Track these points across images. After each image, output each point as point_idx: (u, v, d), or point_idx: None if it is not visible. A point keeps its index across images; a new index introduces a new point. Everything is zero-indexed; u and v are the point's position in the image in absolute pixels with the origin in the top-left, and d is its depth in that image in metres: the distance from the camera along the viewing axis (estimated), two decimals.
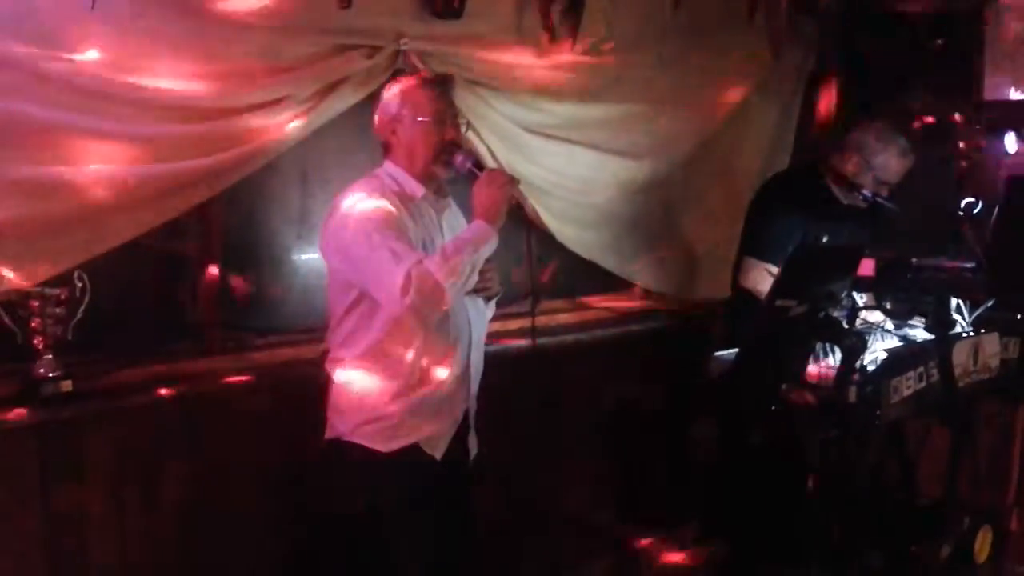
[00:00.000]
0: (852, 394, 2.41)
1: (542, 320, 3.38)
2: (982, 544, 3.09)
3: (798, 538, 2.81)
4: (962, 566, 3.01)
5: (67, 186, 2.23)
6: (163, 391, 2.46)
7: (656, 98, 3.49)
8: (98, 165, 2.26)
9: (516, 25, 2.98)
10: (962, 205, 3.14)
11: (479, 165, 2.40)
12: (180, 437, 2.49)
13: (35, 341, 2.28)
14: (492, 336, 2.60)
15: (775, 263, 2.90)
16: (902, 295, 2.78)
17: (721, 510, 3.25)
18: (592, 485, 3.50)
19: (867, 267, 2.79)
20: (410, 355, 2.28)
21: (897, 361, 2.52)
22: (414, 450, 2.31)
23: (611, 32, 3.22)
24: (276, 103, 2.51)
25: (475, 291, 2.33)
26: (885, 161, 3.00)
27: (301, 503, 2.65)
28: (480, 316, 2.45)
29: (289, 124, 2.57)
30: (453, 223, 2.42)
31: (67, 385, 2.31)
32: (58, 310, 2.28)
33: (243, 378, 2.61)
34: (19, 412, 2.24)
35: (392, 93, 2.34)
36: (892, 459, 3.00)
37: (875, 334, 2.62)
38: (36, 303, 2.26)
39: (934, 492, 3.05)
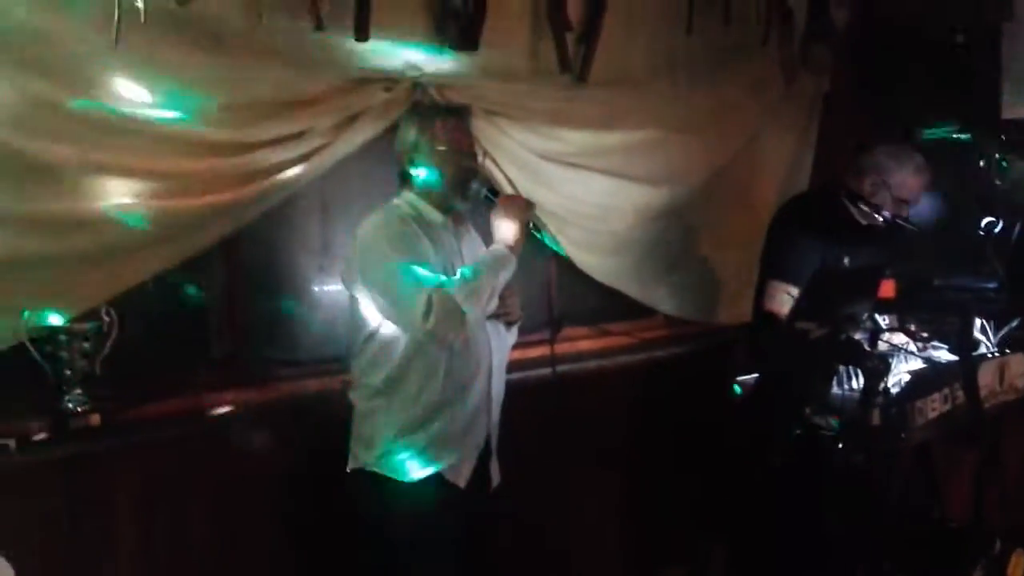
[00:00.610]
0: (876, 417, 2.39)
1: (564, 347, 3.37)
2: (1015, 568, 3.04)
3: (823, 564, 2.78)
4: None
5: (92, 222, 2.25)
6: (190, 424, 2.49)
7: (671, 125, 3.50)
8: (123, 201, 2.30)
9: (532, 55, 3.00)
10: (983, 225, 3.12)
11: (495, 191, 2.43)
12: (207, 469, 2.50)
13: (64, 375, 2.31)
14: (514, 364, 2.60)
15: (796, 285, 2.89)
16: (925, 316, 2.76)
17: (745, 534, 3.21)
18: (615, 514, 3.47)
19: (889, 289, 2.78)
20: (431, 383, 2.29)
21: (921, 383, 2.50)
22: (436, 479, 2.32)
23: (626, 60, 3.25)
24: (297, 137, 2.54)
25: (496, 316, 2.34)
26: (902, 179, 2.98)
27: (326, 533, 2.65)
28: (501, 342, 2.46)
29: (310, 157, 2.59)
30: (473, 249, 2.44)
31: (95, 419, 2.34)
32: (86, 345, 2.31)
33: (269, 409, 2.64)
34: (48, 446, 2.27)
35: (410, 122, 2.38)
36: (919, 482, 2.96)
37: (898, 356, 2.60)
38: (64, 338, 2.29)
39: (963, 515, 3.01)
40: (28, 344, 2.24)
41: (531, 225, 2.35)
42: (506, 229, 2.29)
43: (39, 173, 2.15)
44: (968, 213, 3.42)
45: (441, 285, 2.17)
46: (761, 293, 3.10)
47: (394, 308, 2.21)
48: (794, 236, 3.05)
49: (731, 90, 3.66)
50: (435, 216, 2.36)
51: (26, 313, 2.21)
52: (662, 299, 3.78)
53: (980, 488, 2.92)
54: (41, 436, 2.28)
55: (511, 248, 2.27)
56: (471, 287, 2.18)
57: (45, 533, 2.24)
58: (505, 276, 2.26)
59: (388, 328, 2.28)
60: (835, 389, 2.45)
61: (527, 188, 3.11)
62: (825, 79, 4.09)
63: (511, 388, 2.53)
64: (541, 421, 2.74)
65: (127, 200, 2.30)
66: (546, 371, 2.61)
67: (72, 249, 2.25)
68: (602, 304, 3.65)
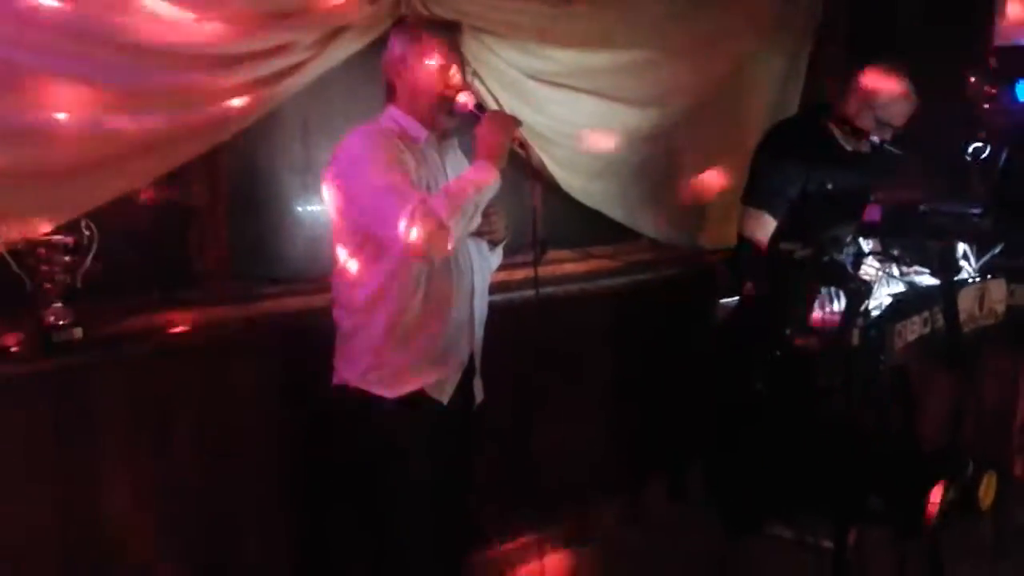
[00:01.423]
0: (856, 339, 2.41)
1: (548, 270, 3.37)
2: (986, 490, 3.10)
3: (801, 484, 2.84)
4: (966, 512, 3.03)
5: (69, 135, 2.21)
6: (172, 338, 2.49)
7: (662, 46, 3.45)
8: (101, 114, 2.25)
9: None
10: (970, 150, 3.11)
11: (481, 107, 2.40)
12: (190, 384, 2.51)
13: (44, 289, 2.29)
14: (498, 285, 2.60)
15: (774, 212, 2.89)
16: (908, 240, 2.77)
17: (724, 454, 3.27)
18: (597, 433, 3.52)
19: (873, 213, 2.78)
20: (414, 300, 2.29)
21: (902, 306, 2.52)
22: (419, 396, 2.34)
23: None
24: (279, 50, 2.48)
25: (480, 234, 2.34)
26: (887, 102, 2.96)
27: (308, 450, 2.69)
28: (484, 262, 2.46)
29: (293, 72, 2.54)
30: (457, 165, 2.42)
31: (77, 333, 2.33)
32: (66, 258, 2.29)
33: (252, 327, 2.64)
34: (30, 360, 2.26)
35: (399, 35, 2.34)
36: (896, 405, 3.01)
37: (880, 280, 2.61)
38: (44, 251, 2.26)
39: (938, 439, 3.06)
40: (7, 257, 2.22)
41: (516, 143, 2.32)
42: (491, 145, 2.26)
43: (11, 85, 2.10)
44: (955, 138, 3.41)
45: (424, 199, 2.15)
46: (741, 218, 3.10)
47: (376, 223, 2.20)
48: (775, 162, 3.03)
49: (723, 12, 3.60)
50: (420, 132, 2.33)
51: (3, 227, 2.18)
52: (647, 222, 3.78)
53: (956, 412, 2.97)
54: (22, 349, 2.26)
55: (494, 164, 2.25)
56: (455, 203, 2.16)
57: (28, 446, 2.25)
58: (489, 192, 2.24)
59: (370, 245, 2.26)
60: (816, 311, 2.47)
61: (513, 107, 3.07)
62: (819, 6, 4.02)
63: (496, 309, 2.54)
64: (525, 342, 2.75)
65: (103, 113, 2.26)
66: (530, 293, 2.61)
67: (50, 161, 2.21)
68: (586, 227, 3.65)
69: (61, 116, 2.19)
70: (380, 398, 2.32)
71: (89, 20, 2.17)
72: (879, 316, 2.44)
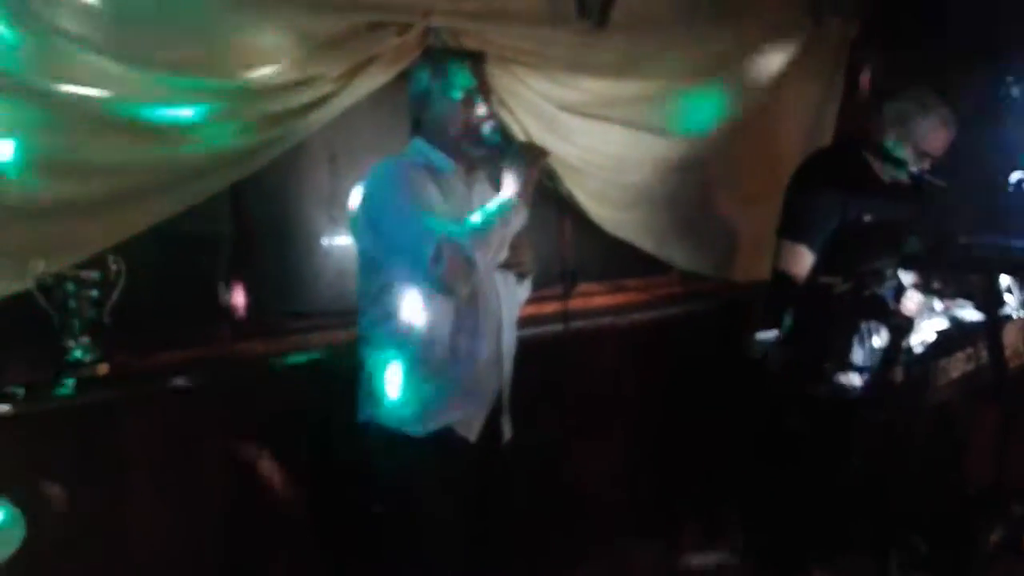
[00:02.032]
0: (899, 375, 2.34)
1: (578, 303, 3.34)
2: None
3: (842, 526, 2.76)
4: (1012, 554, 2.93)
5: (98, 168, 2.23)
6: (198, 374, 2.47)
7: (692, 73, 3.42)
8: (129, 146, 2.26)
9: (549, 1, 2.93)
10: (1012, 181, 3.03)
11: (507, 139, 2.37)
12: (215, 419, 2.49)
13: (71, 324, 2.29)
14: (528, 319, 2.57)
15: (810, 244, 2.82)
16: (950, 274, 2.69)
17: (761, 495, 3.19)
18: (630, 470, 3.46)
19: (914, 245, 2.71)
20: (441, 336, 2.26)
21: (945, 342, 2.46)
22: (447, 432, 2.30)
23: (646, 5, 3.15)
24: (307, 82, 2.49)
25: (507, 267, 2.30)
26: (926, 131, 2.89)
27: (336, 486, 2.65)
28: (512, 296, 2.42)
29: (319, 104, 2.54)
30: (484, 198, 2.39)
31: (103, 368, 2.32)
32: (93, 293, 2.29)
33: (278, 361, 2.62)
34: (55, 395, 2.25)
35: (424, 67, 2.33)
36: (940, 443, 2.92)
37: (922, 314, 2.54)
38: (72, 286, 2.26)
39: (984, 478, 2.97)
40: (35, 292, 2.22)
41: (543, 174, 2.29)
42: (517, 177, 2.24)
43: (47, 119, 2.11)
44: (997, 168, 3.32)
45: (450, 233, 2.12)
46: (777, 252, 3.04)
47: (402, 256, 2.18)
48: (811, 194, 2.97)
49: (754, 36, 3.56)
50: (446, 164, 2.32)
51: (33, 261, 2.18)
52: (678, 254, 3.73)
53: (1002, 450, 2.87)
54: (47, 384, 2.26)
55: (521, 196, 2.23)
56: (480, 235, 2.15)
57: (53, 482, 2.23)
58: (515, 225, 2.22)
59: (397, 279, 2.24)
60: (857, 347, 2.40)
61: (542, 138, 3.05)
62: (853, 25, 3.96)
63: (525, 344, 2.50)
64: (555, 377, 2.71)
65: (131, 146, 2.26)
66: (559, 326, 2.57)
67: (79, 195, 2.23)
68: (617, 259, 3.60)
69: (94, 150, 2.19)
70: (406, 435, 2.28)
71: (130, 57, 2.18)
72: (922, 352, 2.37)
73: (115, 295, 2.32)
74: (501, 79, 2.86)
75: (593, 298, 3.51)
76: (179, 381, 2.43)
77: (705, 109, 3.51)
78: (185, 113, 2.32)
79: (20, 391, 2.23)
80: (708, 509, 3.56)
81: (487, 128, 2.29)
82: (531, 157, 2.28)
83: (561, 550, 3.12)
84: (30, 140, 2.10)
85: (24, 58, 2.04)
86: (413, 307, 2.24)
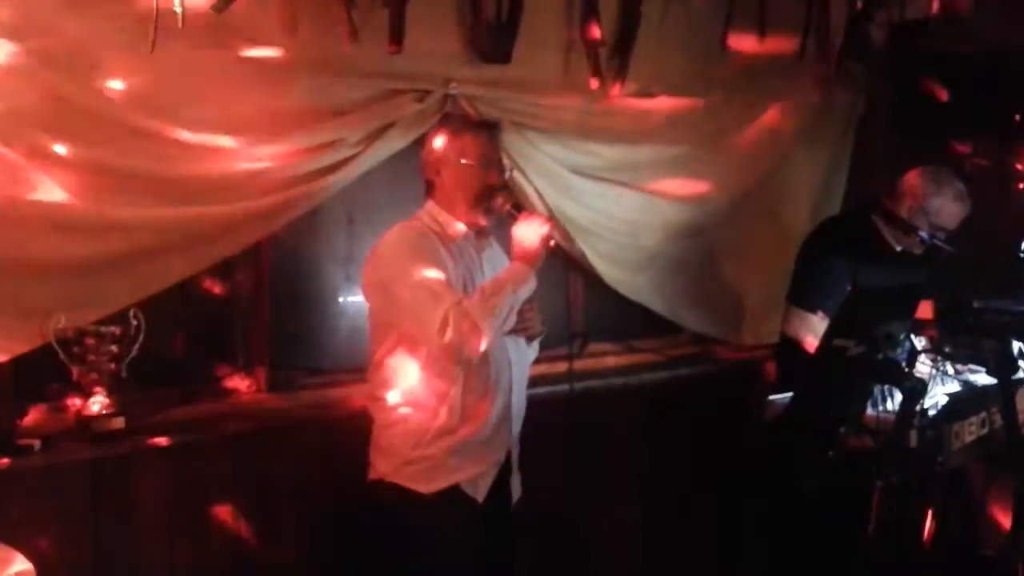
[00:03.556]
0: (913, 439, 2.33)
1: (588, 363, 3.35)
2: None
3: None
4: None
5: (122, 227, 2.28)
6: (214, 429, 2.49)
7: (704, 141, 3.48)
8: (152, 206, 2.31)
9: (564, 68, 3.00)
10: (1023, 247, 3.05)
11: (517, 207, 2.41)
12: (228, 474, 2.50)
13: (90, 378, 2.31)
14: (538, 378, 2.58)
15: (819, 311, 2.84)
16: (963, 338, 2.69)
17: (775, 561, 3.14)
18: (638, 533, 3.42)
19: (926, 310, 2.72)
20: (450, 396, 2.27)
21: (959, 406, 2.44)
22: (455, 492, 2.30)
23: (659, 75, 3.23)
24: (327, 146, 2.55)
25: (515, 331, 2.32)
26: (940, 206, 2.93)
27: (346, 544, 2.63)
28: (522, 357, 2.43)
29: (340, 167, 2.60)
30: (495, 263, 2.43)
31: (120, 422, 2.34)
32: (112, 348, 2.32)
33: (292, 417, 2.63)
34: (73, 448, 2.27)
35: (440, 134, 2.37)
36: (954, 508, 2.88)
37: (936, 378, 2.54)
38: (91, 341, 2.30)
39: (998, 543, 2.92)
40: (55, 345, 2.25)
41: (552, 242, 2.32)
42: (526, 246, 2.27)
43: (68, 176, 2.17)
44: (1008, 232, 3.34)
45: (459, 301, 2.16)
46: (786, 318, 3.05)
47: (411, 321, 2.21)
48: (821, 261, 3.00)
49: (764, 107, 3.63)
50: (457, 229, 2.35)
51: (55, 316, 2.22)
52: (688, 316, 3.74)
53: (1018, 516, 2.83)
54: (65, 437, 2.27)
55: (530, 265, 2.26)
56: (489, 304, 2.17)
57: (67, 534, 2.24)
58: (524, 293, 2.25)
59: (405, 341, 2.26)
60: (870, 410, 2.40)
61: (556, 202, 3.10)
62: (861, 98, 4.03)
63: (535, 403, 2.50)
64: (565, 437, 2.71)
65: (155, 206, 2.31)
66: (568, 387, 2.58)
67: (102, 252, 2.27)
68: (629, 320, 3.62)
69: (119, 209, 2.24)
70: (416, 493, 2.28)
71: (154, 120, 2.25)
72: (935, 416, 2.36)
73: (134, 350, 2.35)
74: (515, 143, 2.92)
75: (605, 357, 3.52)
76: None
77: (715, 176, 3.56)
78: (209, 173, 2.38)
79: (37, 443, 2.24)
80: (721, 571, 3.50)
81: (500, 197, 2.32)
82: (538, 227, 2.29)
83: None
84: (54, 198, 2.16)
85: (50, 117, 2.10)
86: (422, 369, 2.26)
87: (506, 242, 2.37)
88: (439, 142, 2.34)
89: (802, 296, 2.98)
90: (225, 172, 2.41)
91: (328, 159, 2.56)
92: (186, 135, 2.31)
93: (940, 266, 3.01)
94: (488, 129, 2.40)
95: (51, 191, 2.17)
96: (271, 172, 2.48)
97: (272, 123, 2.45)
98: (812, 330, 2.85)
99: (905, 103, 3.98)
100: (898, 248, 3.03)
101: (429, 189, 2.38)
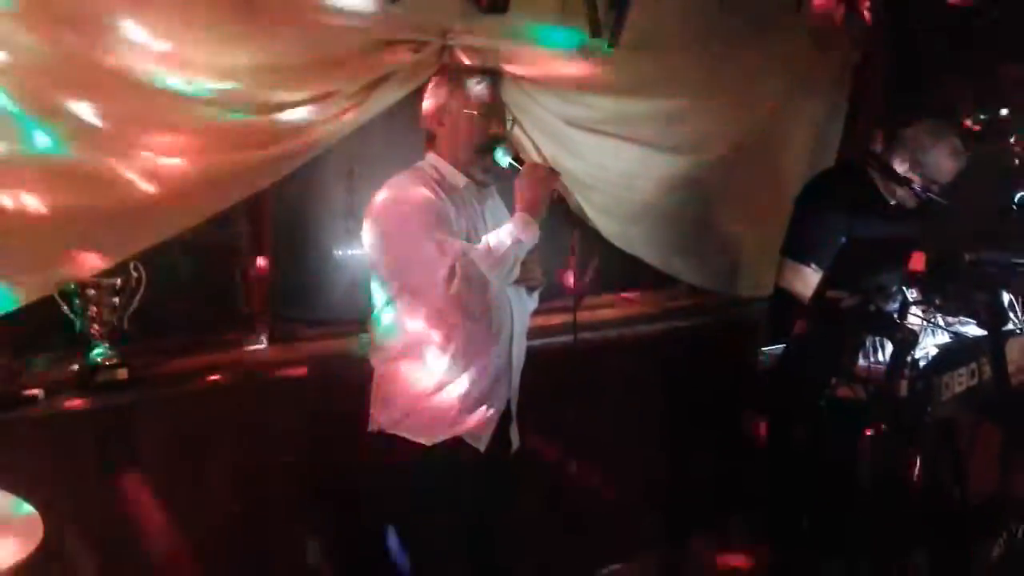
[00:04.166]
0: (903, 389, 2.37)
1: (585, 315, 3.37)
2: None
3: (845, 536, 2.78)
4: (1014, 567, 2.95)
5: (121, 178, 2.27)
6: (215, 380, 2.51)
7: (700, 93, 3.47)
8: (151, 158, 2.30)
9: (561, 20, 2.98)
10: (1015, 199, 3.08)
11: (519, 159, 2.40)
12: (229, 424, 2.52)
13: (92, 330, 2.33)
14: (535, 331, 2.60)
15: (813, 263, 2.86)
16: (953, 290, 2.73)
17: (767, 507, 3.21)
18: (636, 480, 3.48)
19: (918, 261, 2.75)
20: (452, 347, 2.28)
21: (948, 357, 2.49)
22: (456, 443, 2.32)
23: (656, 27, 3.21)
24: (325, 97, 2.53)
25: (518, 282, 2.33)
26: (936, 160, 2.95)
27: (346, 494, 2.68)
28: (522, 308, 2.45)
29: (337, 118, 2.59)
30: (495, 213, 2.43)
31: (123, 373, 2.36)
32: (114, 299, 2.33)
33: (293, 368, 2.66)
34: (76, 398, 2.30)
35: (441, 83, 2.35)
36: (942, 456, 2.95)
37: (926, 329, 2.58)
38: (93, 292, 2.31)
39: (986, 491, 2.99)
40: (57, 298, 2.26)
41: (555, 194, 2.32)
42: (529, 197, 2.26)
43: (70, 128, 2.16)
44: (1000, 185, 3.37)
45: (465, 251, 2.16)
46: (780, 270, 3.07)
47: (414, 272, 2.21)
48: (816, 214, 3.01)
49: (761, 58, 3.61)
50: (459, 180, 2.34)
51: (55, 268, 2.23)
52: (683, 268, 3.77)
53: (1004, 465, 2.90)
54: (68, 388, 2.30)
55: (533, 216, 2.24)
56: (495, 255, 2.17)
57: (72, 484, 2.26)
58: (528, 244, 2.24)
59: (407, 291, 2.27)
60: (862, 361, 2.44)
61: (553, 154, 3.10)
62: (856, 50, 4.02)
63: (533, 354, 2.53)
64: (562, 387, 2.74)
65: (154, 157, 2.30)
66: (568, 338, 2.60)
67: (101, 204, 2.26)
68: (624, 272, 3.64)
69: (117, 160, 2.24)
70: (416, 445, 2.30)
71: (151, 71, 2.23)
72: (925, 367, 2.40)
73: (135, 301, 2.36)
74: (512, 95, 2.90)
75: (601, 310, 3.55)
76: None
77: (711, 128, 3.56)
78: (207, 123, 2.37)
79: (41, 394, 2.27)
80: (716, 521, 3.58)
81: (500, 146, 2.32)
82: (543, 177, 2.30)
83: (568, 561, 3.14)
84: (54, 150, 2.16)
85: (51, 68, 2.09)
86: (424, 319, 2.27)
87: (507, 194, 2.37)
88: (441, 92, 2.33)
89: (796, 248, 3.01)
90: (224, 124, 2.40)
91: (326, 110, 2.54)
92: (183, 88, 2.29)
93: (933, 219, 3.04)
94: (490, 78, 2.38)
95: (49, 142, 2.16)
96: (267, 124, 2.46)
97: (269, 74, 2.43)
98: (806, 283, 2.88)
99: (901, 54, 3.98)
100: (892, 201, 3.05)
101: (430, 140, 2.37)
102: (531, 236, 2.24)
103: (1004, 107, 3.77)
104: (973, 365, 2.55)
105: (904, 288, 2.63)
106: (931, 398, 2.40)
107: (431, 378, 2.29)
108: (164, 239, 2.38)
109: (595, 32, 3.00)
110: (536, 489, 2.92)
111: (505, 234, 2.22)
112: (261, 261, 2.72)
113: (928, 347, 2.49)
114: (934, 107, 3.32)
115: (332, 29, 2.51)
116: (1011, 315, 2.72)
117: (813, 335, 2.45)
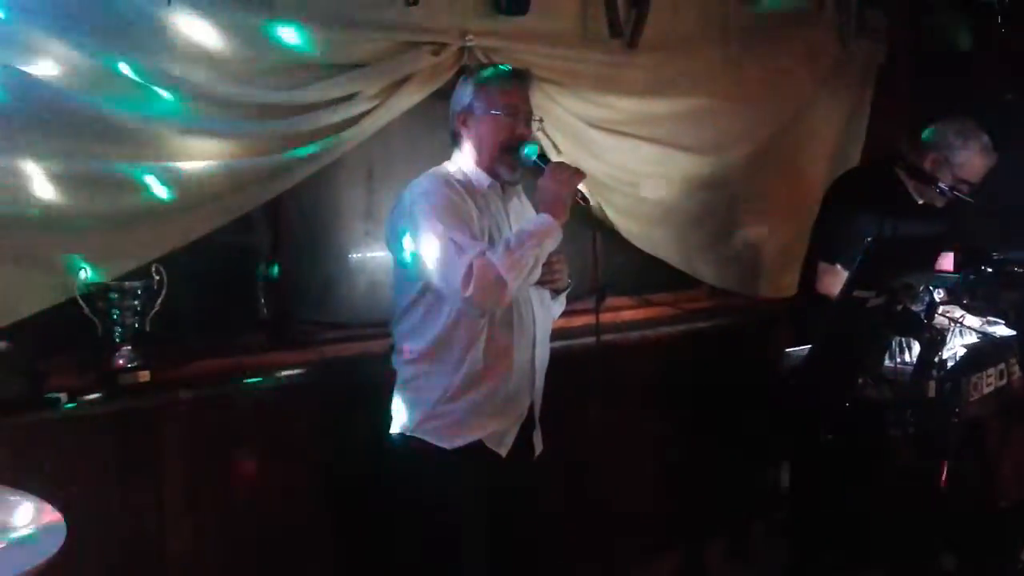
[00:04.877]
0: (930, 390, 2.34)
1: (607, 317, 3.36)
2: None
3: (870, 539, 2.74)
4: None
5: (144, 181, 2.28)
6: (236, 383, 2.51)
7: (722, 93, 3.45)
8: (174, 162, 2.31)
9: (581, 21, 2.98)
10: None
11: (545, 158, 2.38)
12: (250, 427, 2.52)
13: (114, 332, 2.34)
14: (558, 332, 2.59)
15: (838, 263, 2.83)
16: (982, 290, 2.69)
17: (791, 509, 3.18)
18: (659, 484, 3.46)
19: (947, 261, 2.72)
20: (474, 350, 2.26)
21: (977, 357, 2.46)
22: (478, 446, 2.30)
23: (676, 27, 3.19)
24: (346, 100, 2.54)
25: (541, 284, 2.31)
26: (967, 159, 2.91)
27: (368, 498, 2.67)
28: (545, 311, 2.43)
29: (357, 121, 2.59)
30: (520, 215, 2.41)
31: (144, 375, 2.36)
32: (136, 302, 2.33)
33: (312, 371, 2.66)
34: (98, 401, 2.30)
35: (467, 84, 2.34)
36: (970, 458, 2.90)
37: (954, 330, 2.55)
38: (115, 295, 2.31)
39: (1014, 494, 2.95)
40: (80, 300, 2.27)
41: (579, 195, 2.30)
42: (553, 197, 2.23)
43: (92, 131, 2.17)
44: None
45: (482, 252, 2.14)
46: (813, 272, 3.04)
47: (435, 273, 2.19)
48: (847, 214, 2.99)
49: (784, 57, 3.59)
50: (483, 180, 2.33)
51: (78, 270, 2.24)
52: (705, 270, 3.74)
53: None
54: (90, 391, 2.30)
55: (556, 216, 2.22)
56: (514, 256, 2.14)
57: (94, 486, 2.27)
58: (550, 245, 2.21)
59: (431, 293, 2.25)
60: (888, 361, 2.41)
61: (574, 155, 3.09)
62: (881, 47, 3.98)
63: (555, 357, 2.51)
64: (584, 390, 2.72)
65: (176, 161, 2.31)
66: (590, 340, 2.59)
67: (124, 207, 2.27)
68: (646, 274, 3.62)
69: (141, 164, 2.25)
70: (438, 448, 2.28)
71: (173, 75, 2.24)
72: (953, 367, 2.37)
73: (157, 304, 2.37)
74: (533, 97, 2.89)
75: (622, 311, 3.53)
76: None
77: (733, 129, 3.53)
78: (227, 127, 2.38)
79: (63, 396, 2.28)
80: (738, 524, 3.55)
81: (526, 147, 2.30)
82: (567, 177, 2.27)
83: (590, 564, 3.12)
84: (75, 153, 2.16)
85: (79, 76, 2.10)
86: (446, 322, 2.26)
87: (532, 195, 2.36)
88: (467, 92, 2.31)
89: (830, 251, 2.98)
90: (245, 127, 2.40)
91: (346, 112, 2.54)
92: (206, 91, 2.30)
93: (961, 218, 3.00)
94: (518, 79, 2.36)
95: (73, 146, 2.17)
96: (290, 125, 2.47)
97: (291, 76, 2.44)
98: (832, 281, 2.85)
99: (926, 52, 3.94)
100: (920, 201, 3.02)
101: (456, 140, 2.36)
102: (553, 236, 2.21)
103: None
104: (1001, 366, 2.52)
105: (932, 288, 2.60)
106: (959, 399, 2.36)
107: (452, 381, 2.28)
108: (188, 242, 2.39)
109: (615, 32, 2.98)
110: (558, 492, 2.90)
111: (526, 233, 2.20)
112: (280, 264, 2.72)
113: (956, 347, 2.46)
114: (962, 106, 3.26)
115: (352, 31, 2.51)
116: None
117: (839, 334, 2.43)
